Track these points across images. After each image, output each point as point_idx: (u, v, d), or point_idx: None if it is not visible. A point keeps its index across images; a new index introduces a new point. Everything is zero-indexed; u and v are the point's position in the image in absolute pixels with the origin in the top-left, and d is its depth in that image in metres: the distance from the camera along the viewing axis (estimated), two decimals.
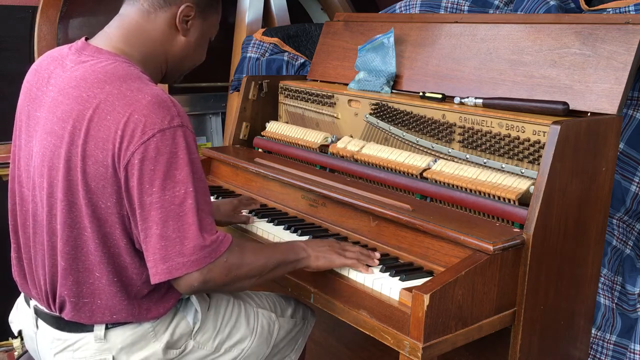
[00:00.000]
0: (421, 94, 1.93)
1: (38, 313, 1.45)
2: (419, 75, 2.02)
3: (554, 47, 1.73)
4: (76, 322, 1.38)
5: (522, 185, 1.53)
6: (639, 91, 1.80)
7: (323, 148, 2.06)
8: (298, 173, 1.94)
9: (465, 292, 1.34)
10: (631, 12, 1.82)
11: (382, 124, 1.95)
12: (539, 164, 1.54)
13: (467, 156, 1.71)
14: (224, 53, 3.11)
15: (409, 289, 1.37)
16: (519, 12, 2.09)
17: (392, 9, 2.47)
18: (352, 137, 2.04)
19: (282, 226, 1.81)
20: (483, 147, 1.69)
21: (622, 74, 1.58)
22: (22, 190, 1.44)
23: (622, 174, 1.84)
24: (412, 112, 1.87)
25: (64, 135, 1.29)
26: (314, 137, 2.10)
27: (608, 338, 1.89)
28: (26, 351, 1.68)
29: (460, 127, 1.74)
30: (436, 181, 1.69)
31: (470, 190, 1.60)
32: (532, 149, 1.58)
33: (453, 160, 1.73)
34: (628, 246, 1.89)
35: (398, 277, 1.46)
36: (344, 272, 1.53)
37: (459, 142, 1.74)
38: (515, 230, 1.48)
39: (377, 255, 1.56)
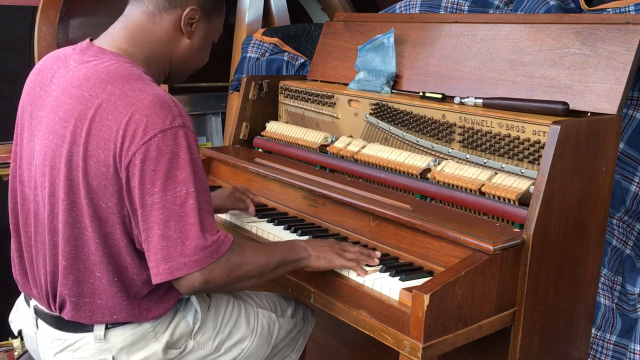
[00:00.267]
0: (421, 94, 1.93)
1: (38, 313, 1.45)
2: (419, 75, 2.02)
3: (554, 47, 1.73)
4: (76, 322, 1.38)
5: (522, 185, 1.53)
6: (639, 91, 1.80)
7: (323, 148, 2.06)
8: (298, 173, 1.94)
9: (465, 292, 1.34)
10: (631, 12, 1.82)
11: (382, 124, 1.95)
12: (539, 164, 1.54)
13: (467, 156, 1.71)
14: (224, 53, 3.11)
15: (409, 289, 1.37)
16: (519, 12, 2.09)
17: (392, 9, 2.47)
18: (352, 137, 2.04)
19: (282, 226, 1.81)
20: (483, 147, 1.69)
21: (622, 74, 1.59)
22: (23, 189, 1.44)
23: (622, 174, 1.84)
24: (412, 112, 1.87)
25: (65, 134, 1.29)
26: (314, 137, 2.10)
27: (608, 338, 1.89)
28: (26, 351, 1.68)
29: (460, 127, 1.74)
30: (436, 181, 1.69)
31: (470, 190, 1.60)
32: (532, 149, 1.58)
33: (453, 160, 1.73)
34: (628, 246, 1.89)
35: (398, 277, 1.47)
36: (344, 272, 1.53)
37: (459, 142, 1.75)
38: (515, 230, 1.48)
39: (378, 254, 1.56)
